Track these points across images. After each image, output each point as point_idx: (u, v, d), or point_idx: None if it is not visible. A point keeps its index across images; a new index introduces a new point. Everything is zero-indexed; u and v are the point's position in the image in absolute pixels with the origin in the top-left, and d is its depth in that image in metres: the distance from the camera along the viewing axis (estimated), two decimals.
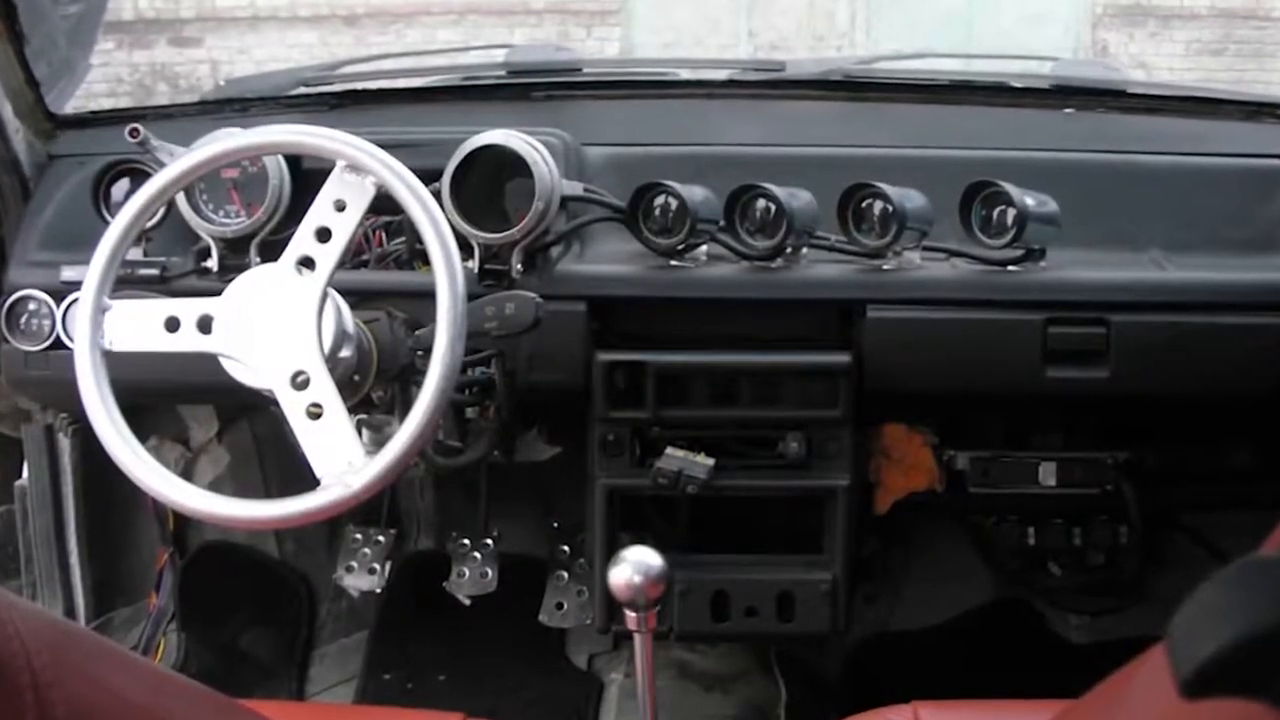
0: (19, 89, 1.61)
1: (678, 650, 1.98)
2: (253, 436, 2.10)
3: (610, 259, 1.57)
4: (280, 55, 6.63)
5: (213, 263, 1.53)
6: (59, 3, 1.69)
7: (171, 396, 1.88)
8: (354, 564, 2.08)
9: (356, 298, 1.38)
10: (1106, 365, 1.52)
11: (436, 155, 1.47)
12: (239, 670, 2.07)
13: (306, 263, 1.23)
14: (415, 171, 1.25)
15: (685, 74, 2.00)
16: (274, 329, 1.22)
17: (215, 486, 1.99)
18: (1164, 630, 0.53)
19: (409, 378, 1.40)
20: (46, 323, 1.56)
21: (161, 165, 1.39)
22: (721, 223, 1.52)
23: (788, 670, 1.98)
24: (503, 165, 1.49)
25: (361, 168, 1.23)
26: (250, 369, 1.23)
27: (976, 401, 1.68)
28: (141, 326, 1.24)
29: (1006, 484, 1.87)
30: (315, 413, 1.20)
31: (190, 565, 2.10)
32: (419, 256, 1.55)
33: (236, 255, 1.52)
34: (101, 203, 1.61)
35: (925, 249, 1.54)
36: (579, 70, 1.95)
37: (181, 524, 2.08)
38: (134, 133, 1.43)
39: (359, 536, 2.10)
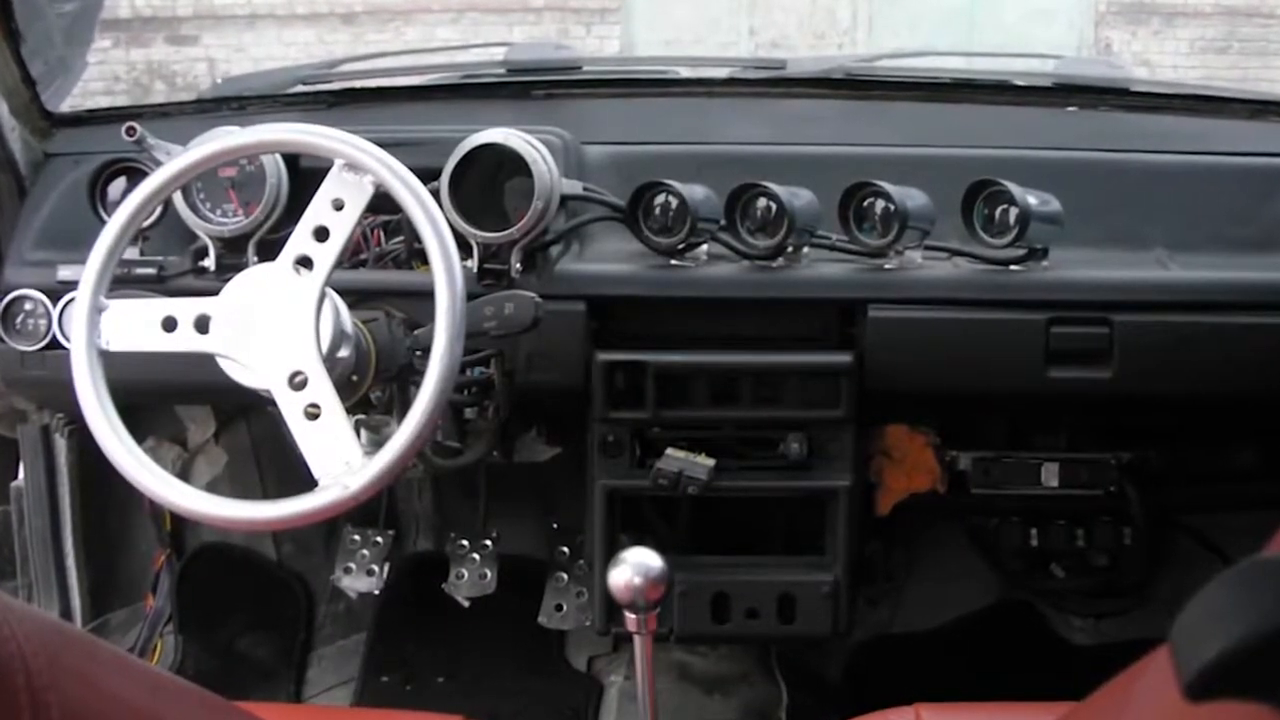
0: (15, 87, 1.60)
1: (678, 652, 1.98)
2: (250, 437, 2.10)
3: (610, 258, 1.57)
4: (278, 53, 6.63)
5: (210, 262, 1.52)
6: (55, 0, 1.69)
7: (168, 397, 1.88)
8: (352, 565, 2.08)
9: (355, 297, 1.37)
10: (1109, 365, 1.52)
11: (435, 154, 1.46)
12: (236, 672, 2.07)
13: (304, 262, 1.22)
14: (414, 170, 1.24)
15: (685, 72, 1.99)
16: (272, 329, 1.21)
17: (212, 487, 1.98)
18: (1168, 632, 0.52)
19: (408, 378, 1.40)
20: (43, 322, 1.55)
21: (158, 164, 1.39)
22: (722, 222, 1.52)
23: (789, 672, 1.97)
24: (502, 164, 1.48)
25: (360, 166, 1.22)
26: (248, 369, 1.22)
27: (978, 402, 1.67)
28: (138, 326, 1.24)
29: (1009, 485, 1.87)
30: (313, 413, 1.19)
31: (187, 567, 2.10)
32: (417, 256, 1.54)
33: (234, 255, 1.51)
34: (98, 202, 1.59)
35: (927, 248, 1.54)
36: (579, 68, 1.95)
37: (179, 525, 2.07)
38: (130, 131, 1.42)
39: (357, 538, 2.09)
